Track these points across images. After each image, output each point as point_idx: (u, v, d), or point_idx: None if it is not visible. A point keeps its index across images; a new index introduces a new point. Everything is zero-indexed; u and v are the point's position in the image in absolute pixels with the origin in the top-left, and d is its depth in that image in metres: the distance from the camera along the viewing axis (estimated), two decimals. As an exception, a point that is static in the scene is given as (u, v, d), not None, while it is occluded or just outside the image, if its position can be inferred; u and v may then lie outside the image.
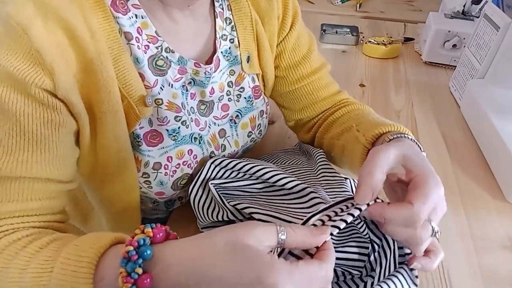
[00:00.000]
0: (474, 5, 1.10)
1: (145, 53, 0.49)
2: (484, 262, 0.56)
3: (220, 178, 0.56)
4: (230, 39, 0.58)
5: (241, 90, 0.60)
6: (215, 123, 0.59)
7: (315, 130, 0.68)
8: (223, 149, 0.60)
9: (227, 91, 0.59)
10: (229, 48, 0.58)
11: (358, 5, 1.46)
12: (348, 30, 1.22)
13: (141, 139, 0.51)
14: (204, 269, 0.33)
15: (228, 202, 0.50)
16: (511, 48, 0.81)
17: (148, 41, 0.49)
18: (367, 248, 0.46)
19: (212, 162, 0.56)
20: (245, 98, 0.61)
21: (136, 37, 0.48)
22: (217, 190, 0.53)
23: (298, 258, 0.37)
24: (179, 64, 0.52)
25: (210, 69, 0.54)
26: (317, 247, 0.37)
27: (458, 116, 0.89)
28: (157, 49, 0.50)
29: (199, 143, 0.56)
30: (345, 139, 0.59)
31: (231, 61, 0.58)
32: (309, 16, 1.39)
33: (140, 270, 0.33)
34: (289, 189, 0.50)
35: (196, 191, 0.55)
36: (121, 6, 0.46)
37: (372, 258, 0.46)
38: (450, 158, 0.76)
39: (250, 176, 0.54)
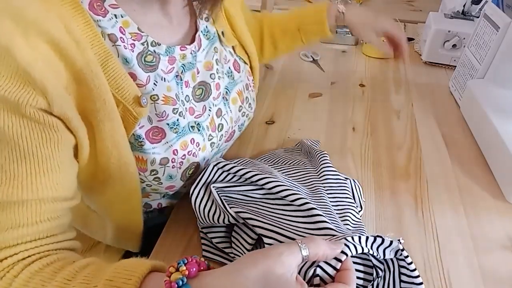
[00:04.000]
0: (474, 5, 1.10)
1: (133, 51, 0.48)
2: (484, 262, 0.56)
3: (222, 181, 0.55)
4: (205, 18, 0.60)
5: (222, 67, 0.62)
6: (213, 104, 0.59)
7: (261, 46, 0.86)
8: (220, 128, 0.61)
9: (216, 69, 0.60)
10: (206, 26, 0.60)
11: (358, 5, 1.46)
12: (348, 30, 1.21)
13: (143, 139, 0.50)
14: None
15: (230, 208, 0.50)
16: (511, 48, 0.81)
17: (133, 39, 0.48)
18: (371, 269, 0.46)
19: (215, 165, 0.56)
20: (227, 74, 0.63)
21: (121, 37, 0.47)
22: (219, 193, 0.53)
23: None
24: (167, 55, 0.52)
25: (195, 48, 0.56)
26: (338, 269, 0.39)
27: (458, 116, 0.89)
28: (143, 45, 0.49)
29: (198, 130, 0.56)
30: (292, 38, 0.85)
31: (211, 39, 0.60)
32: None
33: None
34: (291, 201, 0.50)
35: (197, 193, 0.55)
36: (98, 8, 0.46)
37: (375, 283, 0.46)
38: (450, 158, 0.76)
39: (252, 183, 0.54)
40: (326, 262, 0.39)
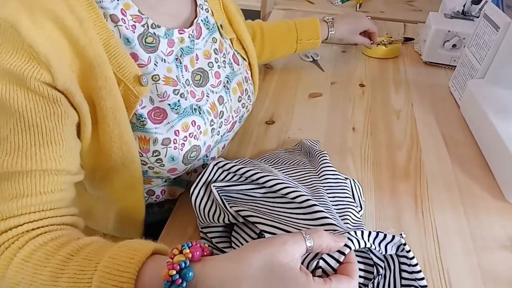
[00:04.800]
0: (474, 5, 1.10)
1: (134, 32, 0.50)
2: (484, 262, 0.56)
3: (222, 180, 0.55)
4: (205, 9, 0.62)
5: (224, 56, 0.64)
6: (213, 91, 0.61)
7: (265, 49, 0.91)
8: (220, 115, 0.62)
9: (215, 58, 0.62)
10: (206, 17, 0.62)
11: (358, 5, 1.46)
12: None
13: (145, 118, 0.51)
14: None
15: (231, 207, 0.50)
16: (511, 48, 0.81)
17: (134, 21, 0.50)
18: (372, 267, 0.46)
19: (215, 164, 0.56)
20: (229, 64, 0.65)
21: (122, 18, 0.48)
22: (219, 192, 0.53)
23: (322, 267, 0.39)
24: (166, 37, 0.53)
25: (193, 32, 0.57)
26: (340, 262, 0.39)
27: (458, 116, 0.89)
28: (143, 27, 0.51)
29: (200, 113, 0.57)
30: (289, 48, 0.93)
31: (211, 29, 0.62)
32: (309, 16, 1.38)
33: None
34: (292, 198, 0.50)
35: (197, 192, 0.55)
36: None
37: (376, 281, 0.46)
38: (450, 158, 0.76)
39: (252, 181, 0.54)
40: (329, 255, 0.39)
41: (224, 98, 0.63)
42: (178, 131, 0.54)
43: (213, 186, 0.53)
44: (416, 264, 0.43)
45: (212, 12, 0.63)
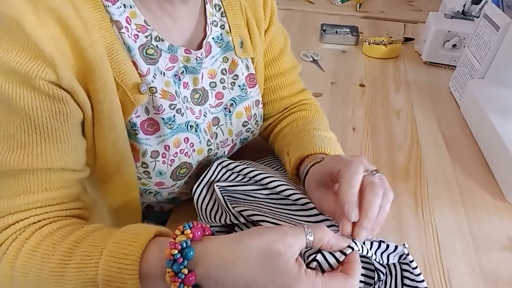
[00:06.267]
0: (474, 5, 1.10)
1: (135, 42, 0.49)
2: (484, 262, 0.56)
3: (225, 180, 0.55)
4: (221, 25, 0.58)
5: (235, 77, 0.60)
6: (210, 111, 0.59)
7: (270, 130, 0.71)
8: (215, 137, 0.60)
9: (221, 78, 0.59)
10: (221, 34, 0.58)
11: (358, 5, 1.46)
12: (348, 30, 1.22)
13: (137, 128, 0.51)
14: (239, 273, 0.36)
15: (233, 208, 0.50)
16: (511, 48, 0.81)
17: (137, 30, 0.49)
18: (373, 273, 0.46)
19: (219, 164, 0.56)
20: (239, 86, 0.61)
21: (125, 26, 0.48)
22: (222, 192, 0.53)
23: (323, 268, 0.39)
24: (169, 52, 0.52)
25: (201, 54, 0.55)
26: (341, 262, 0.39)
27: (458, 116, 0.89)
28: (147, 38, 0.50)
29: (196, 131, 0.56)
30: (283, 160, 0.63)
31: (224, 47, 0.59)
32: (309, 16, 1.39)
33: (186, 271, 0.36)
34: (294, 200, 0.50)
35: (200, 191, 0.55)
36: None
37: (376, 286, 0.46)
38: (450, 158, 0.76)
39: (256, 182, 0.54)
40: (330, 253, 0.39)
41: (220, 120, 0.60)
42: (168, 146, 0.53)
43: (216, 185, 0.53)
44: (419, 274, 0.43)
45: (229, 28, 0.59)
